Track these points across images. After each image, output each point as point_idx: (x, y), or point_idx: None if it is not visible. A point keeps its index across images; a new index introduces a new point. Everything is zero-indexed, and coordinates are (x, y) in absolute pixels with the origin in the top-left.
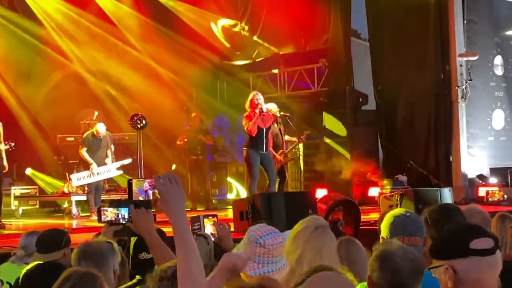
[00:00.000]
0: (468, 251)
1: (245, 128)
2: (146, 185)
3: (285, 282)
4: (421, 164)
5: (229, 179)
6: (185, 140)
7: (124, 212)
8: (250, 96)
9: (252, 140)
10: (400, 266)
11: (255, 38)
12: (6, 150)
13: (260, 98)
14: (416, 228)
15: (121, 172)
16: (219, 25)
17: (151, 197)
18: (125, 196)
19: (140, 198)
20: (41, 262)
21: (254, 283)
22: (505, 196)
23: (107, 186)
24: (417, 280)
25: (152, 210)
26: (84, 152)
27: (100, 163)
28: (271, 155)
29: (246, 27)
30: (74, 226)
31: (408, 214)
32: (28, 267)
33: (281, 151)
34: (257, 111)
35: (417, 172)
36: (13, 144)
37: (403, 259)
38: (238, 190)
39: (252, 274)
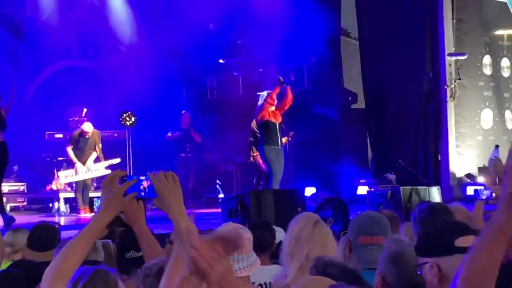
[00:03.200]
0: (453, 248)
1: (270, 109)
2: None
3: (297, 277)
4: (410, 162)
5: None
6: (177, 133)
7: None
8: (267, 92)
9: (268, 136)
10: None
11: (244, 39)
12: None
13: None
14: (378, 227)
15: (109, 171)
16: (211, 25)
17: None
18: None
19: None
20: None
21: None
22: (493, 194)
23: (95, 184)
24: None
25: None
26: (70, 150)
27: (88, 161)
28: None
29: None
30: (62, 223)
31: (371, 215)
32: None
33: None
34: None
35: (406, 170)
36: None
37: (416, 259)
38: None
39: None
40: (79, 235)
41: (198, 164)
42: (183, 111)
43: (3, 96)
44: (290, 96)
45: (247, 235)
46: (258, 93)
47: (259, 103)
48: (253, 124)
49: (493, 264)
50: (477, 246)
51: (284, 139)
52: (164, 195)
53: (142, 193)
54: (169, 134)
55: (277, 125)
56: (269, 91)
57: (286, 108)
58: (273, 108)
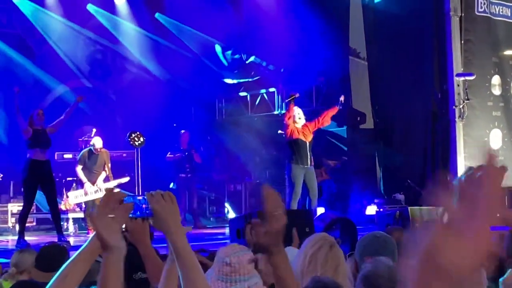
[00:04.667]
0: None
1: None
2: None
3: None
4: (418, 183)
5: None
6: (178, 155)
7: None
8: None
9: (296, 154)
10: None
11: (252, 57)
12: None
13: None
14: (384, 248)
15: (118, 190)
16: (217, 46)
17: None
18: None
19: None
20: None
21: None
22: (497, 214)
23: None
24: None
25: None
26: (79, 170)
27: (97, 181)
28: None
29: (244, 55)
30: (72, 244)
31: (377, 235)
32: None
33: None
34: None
35: (414, 190)
36: (1, 175)
37: (387, 281)
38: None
39: None
40: (78, 254)
41: (201, 183)
42: (182, 131)
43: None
44: (329, 115)
45: (248, 257)
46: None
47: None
48: None
49: None
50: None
51: (332, 162)
52: (161, 214)
53: (138, 212)
54: (169, 155)
55: (307, 143)
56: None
57: (313, 125)
58: (298, 125)
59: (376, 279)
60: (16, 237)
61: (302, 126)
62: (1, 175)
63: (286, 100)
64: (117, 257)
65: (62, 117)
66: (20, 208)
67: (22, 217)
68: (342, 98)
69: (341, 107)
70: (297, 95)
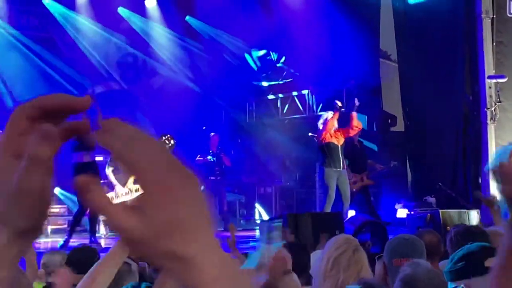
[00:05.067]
0: (483, 269)
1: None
2: None
3: None
4: (449, 185)
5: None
6: (208, 158)
7: None
8: (326, 118)
9: (329, 158)
10: None
11: (283, 59)
12: None
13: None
14: (413, 250)
15: None
16: (249, 50)
17: None
18: None
19: None
20: None
21: None
22: None
23: None
24: None
25: None
26: (110, 172)
27: (128, 183)
28: (347, 174)
29: (275, 55)
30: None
31: (406, 237)
32: None
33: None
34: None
35: (445, 193)
36: None
37: (426, 285)
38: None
39: None
40: (106, 257)
41: (231, 186)
42: (212, 134)
43: (91, 116)
44: (353, 122)
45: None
46: (319, 113)
47: (319, 125)
48: None
49: None
50: (494, 273)
51: (379, 166)
52: None
53: None
54: (198, 158)
55: (339, 147)
56: (329, 115)
57: (351, 134)
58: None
59: (416, 283)
60: (48, 240)
61: (335, 130)
62: None
63: (343, 110)
64: None
65: None
66: (52, 210)
67: (75, 218)
68: (360, 103)
69: (343, 110)
70: (340, 104)
